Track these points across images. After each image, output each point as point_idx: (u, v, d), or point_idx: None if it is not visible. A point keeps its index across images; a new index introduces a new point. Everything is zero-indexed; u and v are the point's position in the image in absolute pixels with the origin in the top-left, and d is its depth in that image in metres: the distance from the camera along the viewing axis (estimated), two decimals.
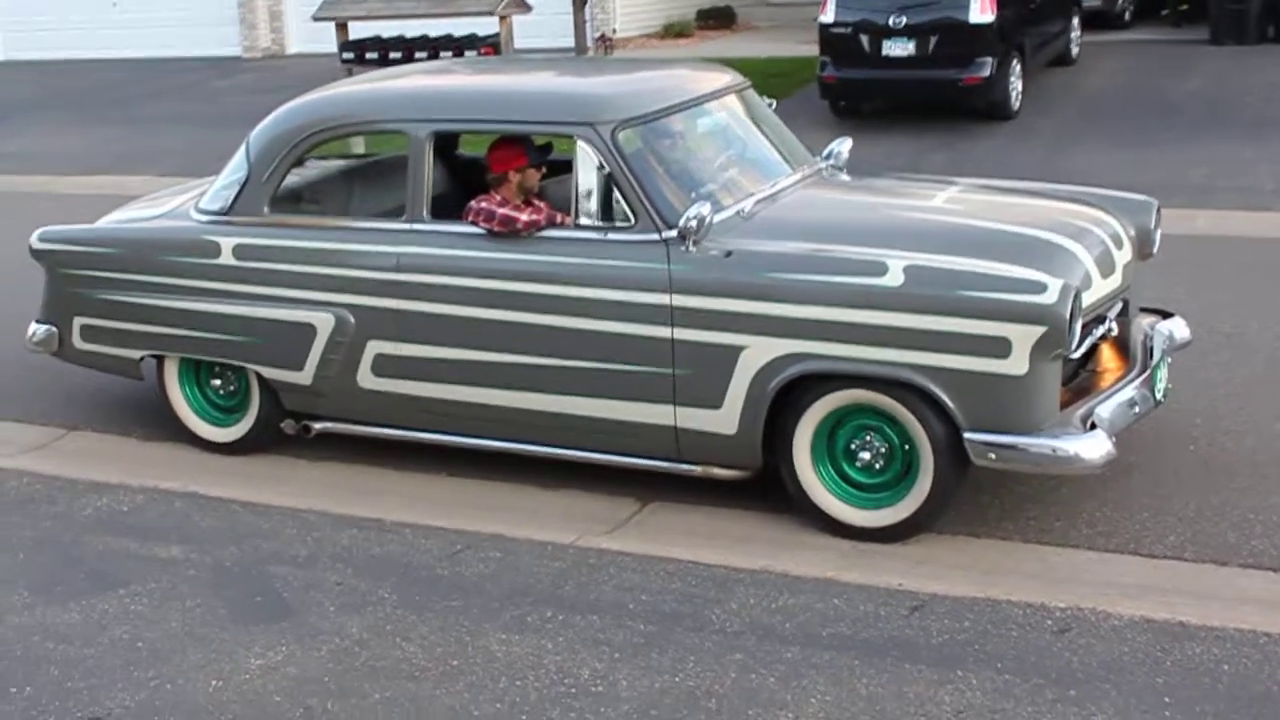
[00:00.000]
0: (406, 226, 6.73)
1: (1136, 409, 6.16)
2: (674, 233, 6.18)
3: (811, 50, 15.90)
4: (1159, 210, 6.93)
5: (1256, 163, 12.77)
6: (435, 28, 15.11)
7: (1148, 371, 6.34)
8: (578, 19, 18.70)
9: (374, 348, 6.81)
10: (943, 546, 6.00)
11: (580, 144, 6.38)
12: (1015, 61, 15.09)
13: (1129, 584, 5.62)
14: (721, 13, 23.77)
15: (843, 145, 7.38)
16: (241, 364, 7.23)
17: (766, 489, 6.36)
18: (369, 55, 14.47)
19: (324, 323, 6.88)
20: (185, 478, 7.17)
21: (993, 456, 5.79)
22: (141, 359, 7.56)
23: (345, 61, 14.54)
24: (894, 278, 5.84)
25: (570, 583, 5.87)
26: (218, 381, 7.48)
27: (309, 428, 7.23)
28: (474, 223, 6.60)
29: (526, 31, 17.91)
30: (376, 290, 6.74)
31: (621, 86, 7.14)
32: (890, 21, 14.85)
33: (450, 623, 5.57)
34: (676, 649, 5.29)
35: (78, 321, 7.63)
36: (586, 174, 6.39)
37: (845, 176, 7.29)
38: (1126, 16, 20.99)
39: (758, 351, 6.03)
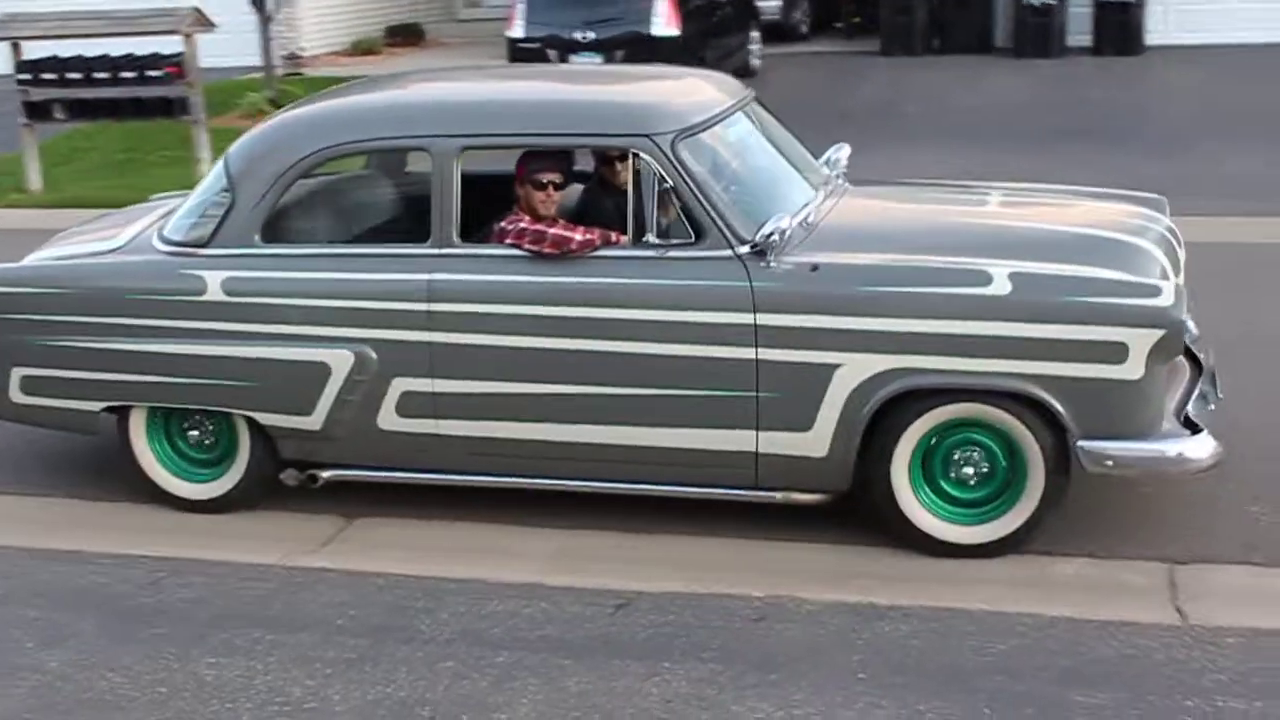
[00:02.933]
0: (436, 251, 6.13)
1: (1211, 406, 6.11)
2: (747, 248, 5.84)
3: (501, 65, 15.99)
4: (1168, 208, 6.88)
5: (923, 164, 13.40)
6: (116, 47, 14.71)
7: (1207, 368, 6.24)
8: (264, 37, 18.43)
9: (400, 385, 6.18)
10: (649, 546, 6.16)
11: (636, 157, 5.97)
12: None
13: (824, 571, 5.86)
14: (410, 29, 23.73)
15: (841, 152, 7.13)
16: (233, 410, 6.46)
17: (476, 499, 6.43)
18: (46, 76, 13.98)
19: (341, 360, 6.21)
20: None
21: (1110, 463, 5.67)
22: (102, 411, 6.68)
23: (21, 84, 14.04)
24: (1000, 286, 5.65)
25: (278, 603, 5.83)
26: (195, 432, 6.68)
27: (315, 477, 6.49)
28: (515, 245, 6.08)
29: (211, 50, 17.53)
30: (404, 323, 6.12)
31: (665, 95, 6.63)
32: (578, 36, 15.10)
33: (156, 651, 5.48)
34: (389, 661, 5.31)
35: (17, 373, 6.71)
36: (644, 188, 5.97)
37: (867, 185, 7.05)
38: (803, 29, 21.76)
39: (854, 369, 5.72)
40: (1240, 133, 13.88)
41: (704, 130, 6.19)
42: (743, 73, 17.70)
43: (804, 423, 5.82)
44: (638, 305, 5.90)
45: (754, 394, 5.83)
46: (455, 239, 6.12)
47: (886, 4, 19.43)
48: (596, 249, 6.00)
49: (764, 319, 5.77)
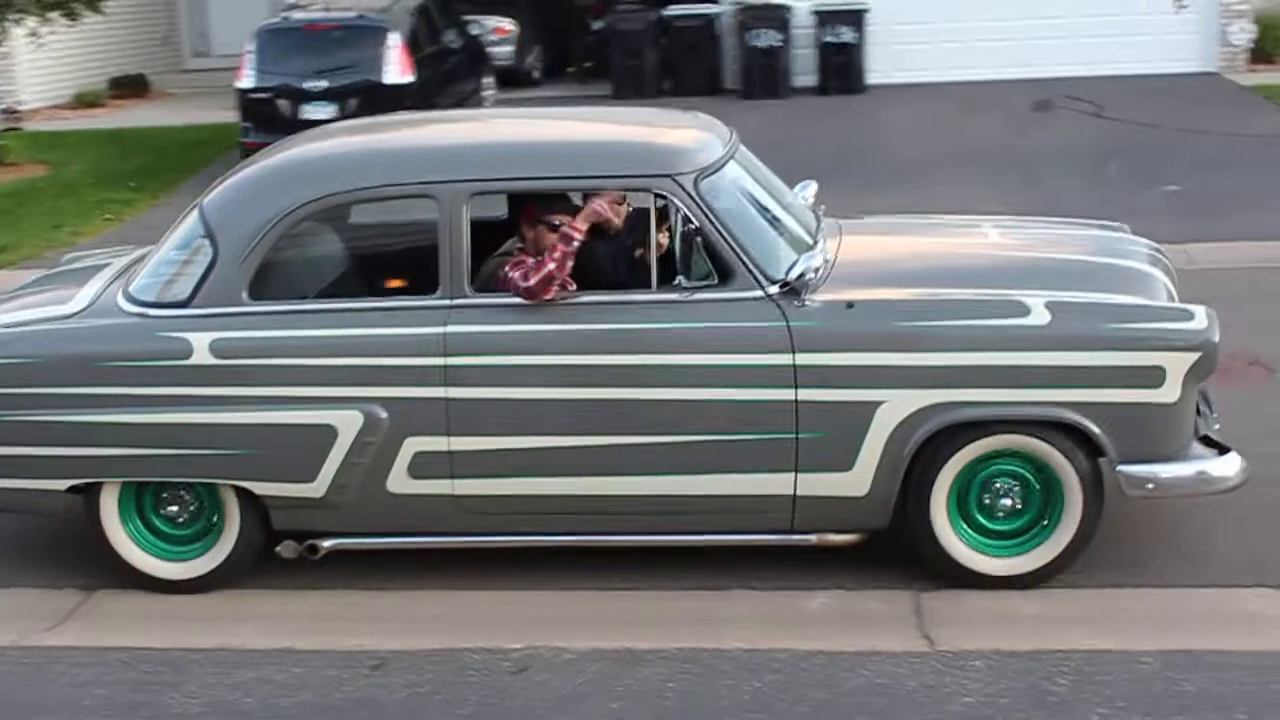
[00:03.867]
0: (448, 302, 5.83)
1: (1218, 426, 6.19)
2: (776, 288, 5.75)
3: (234, 116, 15.72)
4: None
5: None
6: None
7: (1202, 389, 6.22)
8: None
9: (414, 445, 5.85)
10: (403, 603, 6.07)
11: (659, 198, 5.92)
12: None
13: (583, 618, 5.86)
14: (134, 81, 23.09)
15: (808, 190, 6.96)
16: (223, 481, 6.03)
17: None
18: None
19: (348, 422, 5.84)
20: None
21: (1151, 486, 5.75)
22: (67, 490, 6.13)
23: None
24: (1039, 317, 5.69)
25: (16, 687, 5.57)
26: (174, 508, 6.19)
27: (315, 547, 6.09)
28: (512, 290, 5.85)
29: None
30: (417, 379, 5.80)
31: (677, 136, 6.40)
32: (309, 85, 14.90)
33: None
34: None
35: None
36: (669, 229, 5.94)
37: (853, 220, 6.94)
38: (536, 74, 21.87)
39: (896, 406, 5.66)
40: (954, 166, 14.40)
41: (717, 171, 6.07)
42: None
43: (845, 463, 5.74)
44: (668, 350, 5.75)
45: (793, 435, 5.72)
46: (467, 289, 5.86)
47: (617, 48, 19.66)
48: (567, 288, 5.85)
49: (803, 359, 5.69)
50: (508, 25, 21.08)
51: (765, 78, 18.93)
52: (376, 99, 14.82)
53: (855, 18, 18.87)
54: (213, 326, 5.91)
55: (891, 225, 7.43)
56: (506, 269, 5.93)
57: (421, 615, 5.96)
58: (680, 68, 19.57)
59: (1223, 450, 5.89)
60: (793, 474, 5.76)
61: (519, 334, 5.81)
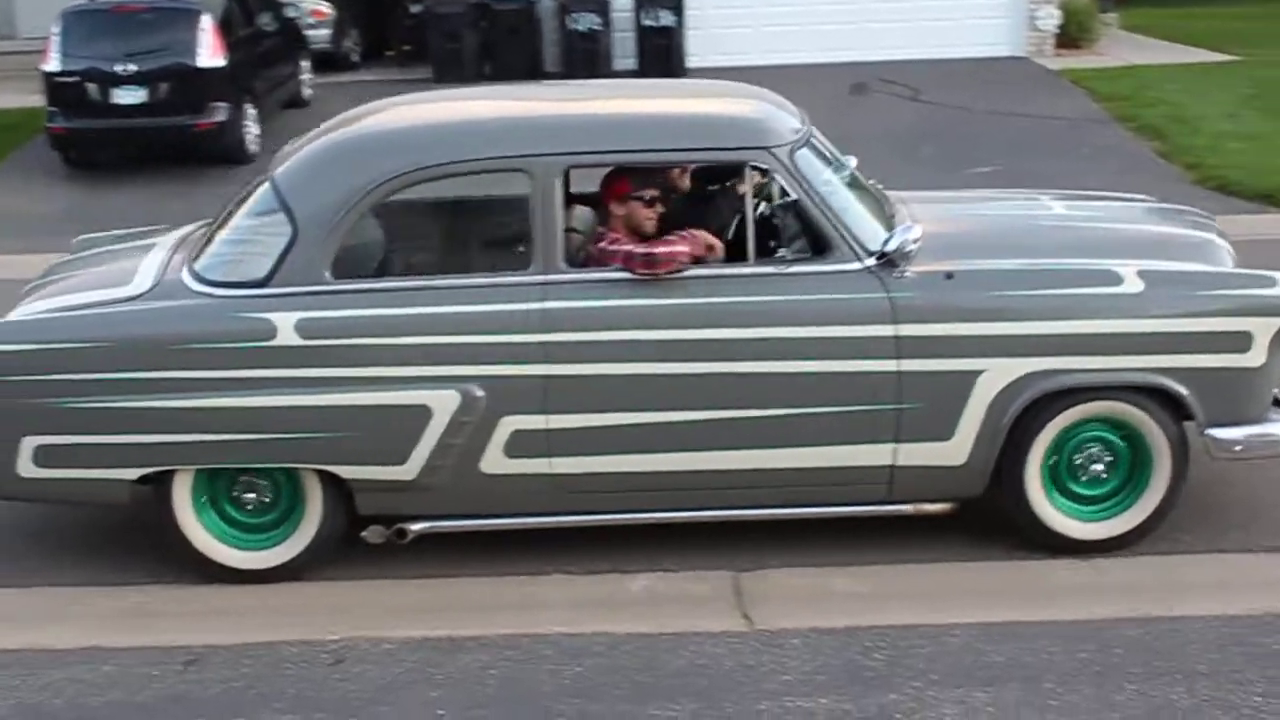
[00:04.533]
0: (545, 278, 5.71)
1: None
2: (873, 260, 5.75)
3: (41, 101, 15.24)
4: None
5: None
6: None
7: None
8: None
9: (510, 424, 5.71)
10: (220, 597, 5.94)
11: (753, 171, 5.91)
12: (248, 105, 15.17)
13: (402, 607, 5.81)
14: None
15: (850, 162, 6.60)
16: (309, 466, 5.83)
17: (35, 556, 6.07)
18: None
19: (444, 402, 5.68)
20: None
21: (1239, 449, 5.90)
22: (137, 480, 5.88)
23: None
24: (1133, 285, 5.81)
25: None
26: (251, 495, 5.98)
27: (404, 531, 5.93)
28: (627, 268, 5.75)
29: None
30: (515, 356, 5.67)
31: (762, 108, 6.30)
32: (118, 69, 14.52)
33: None
34: None
35: (29, 444, 5.81)
36: (761, 202, 5.93)
37: (899, 193, 6.75)
38: (355, 58, 21.59)
39: (997, 374, 5.73)
40: None
41: (805, 144, 6.04)
42: (295, 103, 17.44)
43: (945, 432, 5.78)
44: (771, 323, 5.71)
45: (895, 406, 5.74)
46: (561, 264, 5.73)
47: (436, 31, 19.49)
48: (706, 260, 5.85)
49: (905, 330, 5.71)
50: (325, 8, 20.76)
51: (586, 61, 18.91)
52: (189, 83, 14.51)
53: (674, 1, 18.95)
54: (296, 306, 5.70)
55: (949, 198, 7.40)
56: (603, 245, 5.90)
57: (238, 609, 5.85)
58: (500, 51, 19.46)
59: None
60: (892, 444, 5.80)
61: (622, 309, 5.73)
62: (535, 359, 5.68)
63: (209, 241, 6.16)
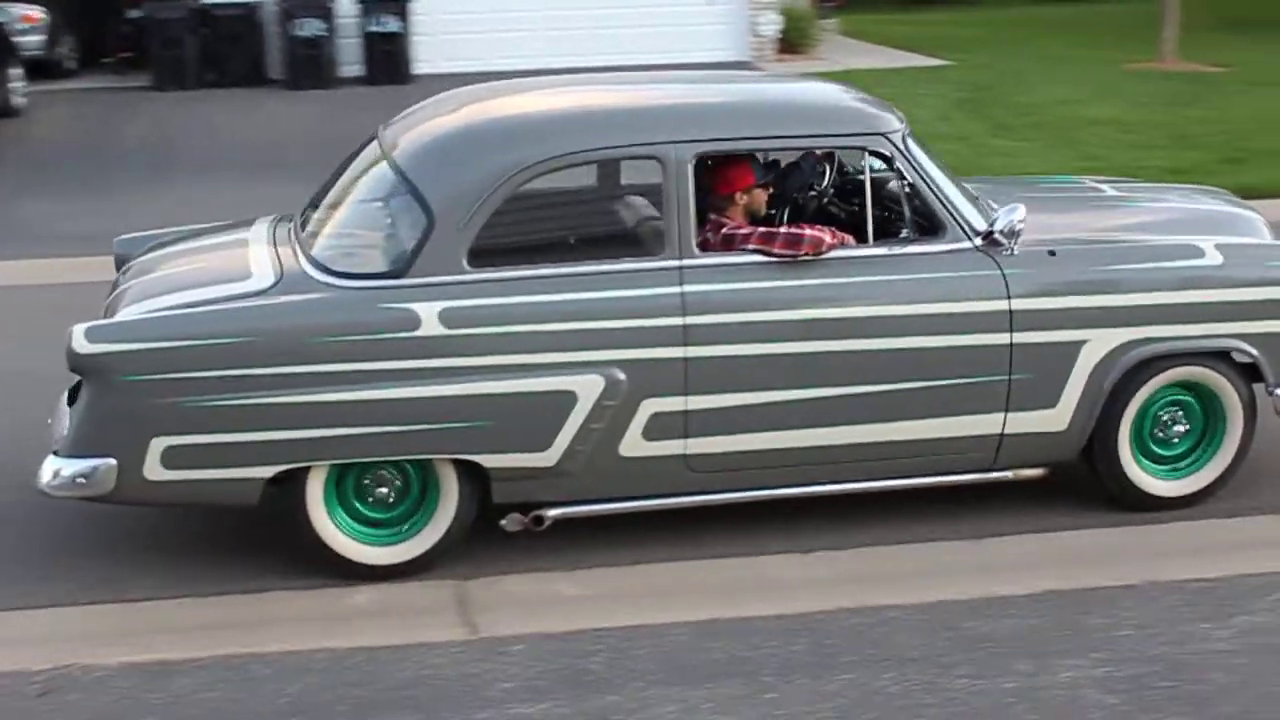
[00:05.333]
0: (682, 263, 5.82)
1: None
2: (981, 239, 6.08)
3: None
4: None
5: (208, 201, 13.19)
6: None
7: None
8: None
9: (650, 406, 5.80)
10: None
11: (873, 156, 6.13)
12: None
13: (110, 632, 5.62)
14: None
15: None
16: (451, 456, 5.77)
17: None
18: None
19: (589, 387, 5.73)
20: None
21: None
22: (274, 477, 5.69)
23: None
24: (1213, 258, 6.32)
25: None
26: (384, 490, 5.88)
27: (541, 518, 5.93)
28: (761, 249, 5.92)
29: None
30: (657, 339, 5.77)
31: (870, 98, 6.60)
32: None
33: None
34: None
35: (157, 444, 5.58)
36: (879, 186, 6.23)
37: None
38: (70, 65, 20.91)
39: (1098, 344, 6.12)
40: None
41: (911, 132, 6.29)
42: (5, 112, 16.79)
43: (1049, 400, 6.14)
44: (897, 301, 5.97)
45: (1006, 377, 6.07)
46: (695, 249, 5.86)
47: (155, 38, 19.01)
48: (835, 247, 6.00)
49: (1017, 304, 6.05)
50: (37, 13, 20.09)
51: (310, 68, 18.71)
52: None
53: (400, 6, 18.87)
54: (439, 296, 5.67)
55: (1010, 183, 7.85)
56: (726, 230, 6.07)
57: None
58: (223, 58, 19.10)
59: None
60: (1003, 413, 6.12)
61: (755, 291, 5.90)
62: (675, 342, 5.82)
63: (317, 232, 6.16)
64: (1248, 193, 11.96)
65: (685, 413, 5.87)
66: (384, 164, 6.14)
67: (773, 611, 5.65)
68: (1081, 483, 6.50)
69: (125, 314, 5.88)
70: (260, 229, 6.61)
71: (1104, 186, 7.56)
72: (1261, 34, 21.04)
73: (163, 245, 6.85)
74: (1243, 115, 16.53)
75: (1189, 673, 5.14)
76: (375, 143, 6.44)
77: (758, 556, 6.12)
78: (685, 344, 5.82)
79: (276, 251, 6.17)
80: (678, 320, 5.81)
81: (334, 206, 6.31)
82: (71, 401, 5.90)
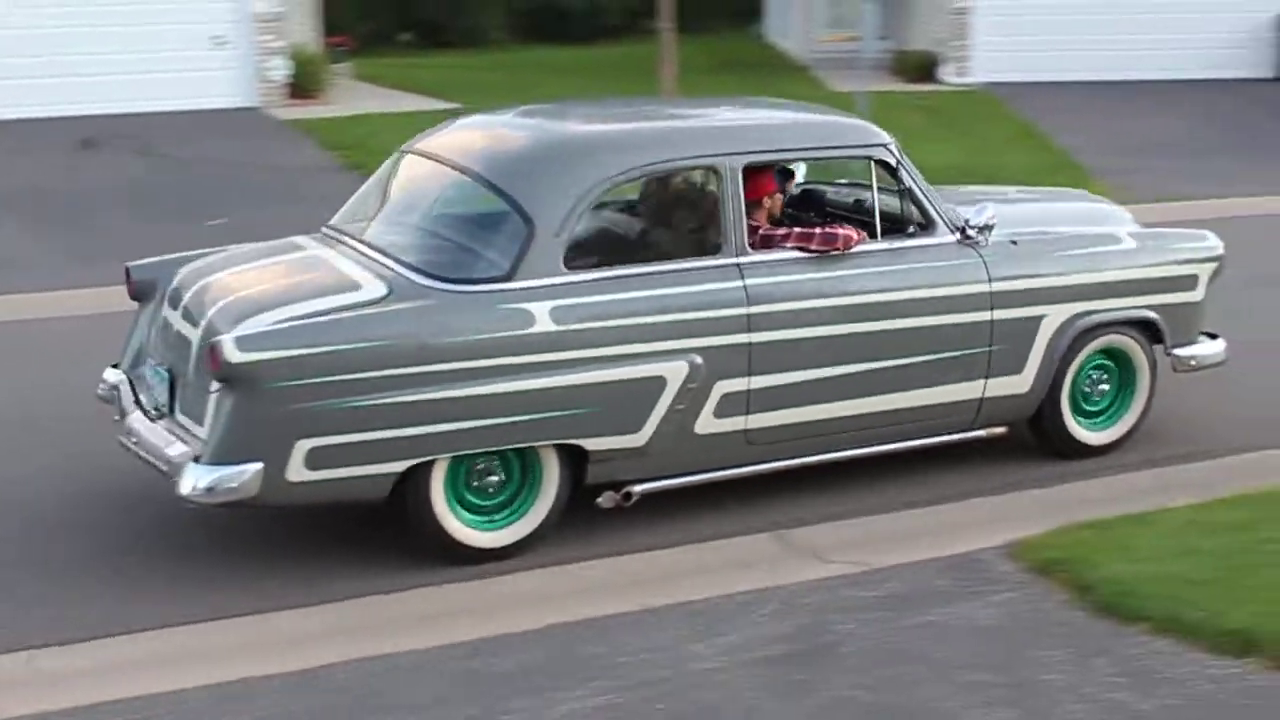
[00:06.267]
0: (736, 260, 6.77)
1: None
2: (959, 233, 7.27)
3: None
4: None
5: None
6: None
7: None
8: None
9: (721, 387, 6.69)
10: None
11: (877, 164, 7.18)
12: None
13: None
14: None
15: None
16: (555, 442, 6.43)
17: None
18: None
19: (675, 372, 6.56)
20: None
21: (1193, 363, 7.97)
22: (406, 471, 6.18)
23: None
24: (1129, 244, 7.81)
25: None
26: (494, 478, 6.48)
27: (630, 494, 6.70)
28: (800, 247, 6.95)
29: None
30: (727, 328, 6.66)
31: (857, 117, 8.02)
32: None
33: None
34: None
35: (302, 446, 6.01)
36: (881, 190, 7.20)
37: None
38: None
39: (1054, 317, 7.42)
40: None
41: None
42: None
43: (1017, 367, 7.38)
44: (912, 287, 7.09)
45: (988, 349, 7.28)
46: (747, 247, 6.79)
47: None
48: (859, 243, 7.04)
49: (996, 286, 7.27)
50: None
51: None
52: None
53: None
54: (547, 296, 6.33)
55: (950, 192, 8.80)
56: (762, 231, 7.06)
57: None
58: None
59: (1214, 336, 8.11)
60: (984, 380, 7.32)
61: (805, 281, 6.89)
62: (741, 329, 6.71)
63: (400, 242, 6.76)
64: None
65: (748, 392, 6.78)
66: (459, 175, 6.89)
67: (282, 670, 5.61)
68: (581, 518, 6.75)
69: (255, 325, 6.13)
70: (316, 245, 7.12)
71: (1012, 191, 9.14)
72: (741, 77, 22.25)
73: (206, 269, 6.98)
74: None
75: (683, 695, 5.40)
76: (423, 158, 7.22)
77: (268, 614, 6.11)
78: (749, 330, 6.73)
79: (364, 263, 6.67)
80: (743, 310, 6.72)
81: (403, 217, 7.09)
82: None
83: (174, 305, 6.78)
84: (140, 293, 7.19)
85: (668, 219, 7.27)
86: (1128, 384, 7.85)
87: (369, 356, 6.05)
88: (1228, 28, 22.58)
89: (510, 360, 6.26)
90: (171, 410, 6.50)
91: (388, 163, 7.52)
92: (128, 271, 7.27)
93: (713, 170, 6.83)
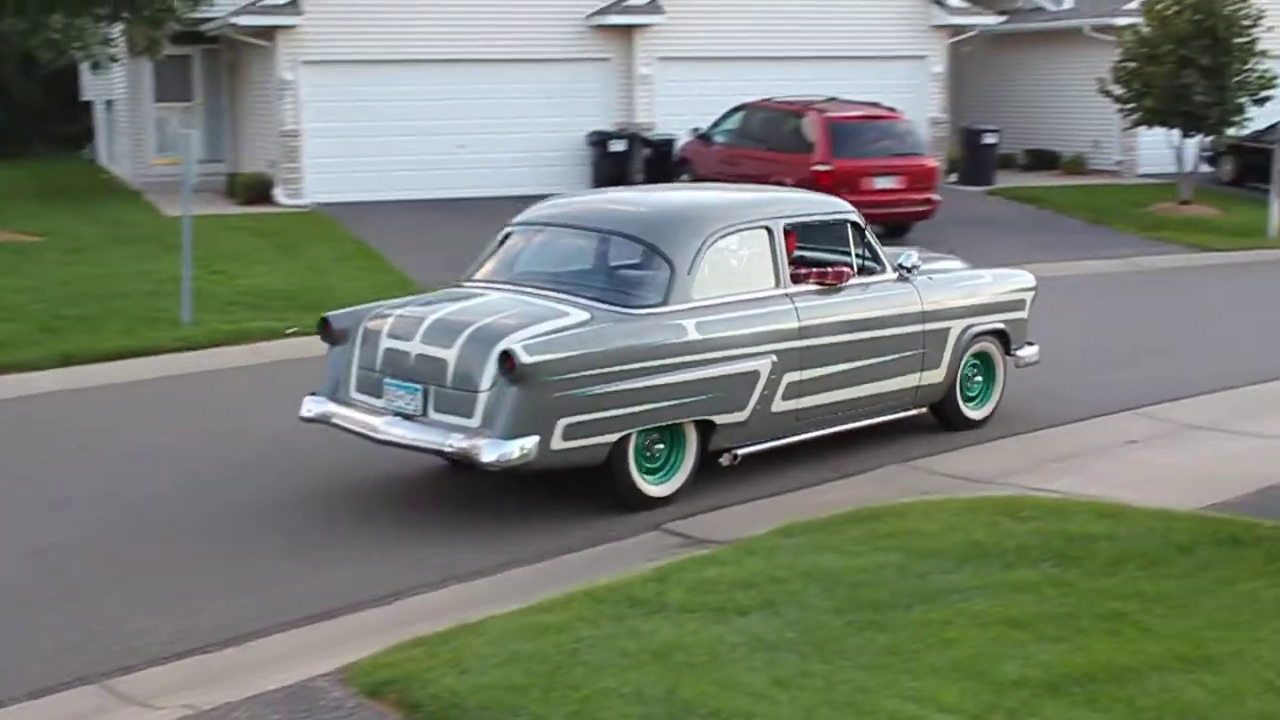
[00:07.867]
0: (784, 290, 9.86)
1: None
2: (896, 272, 10.61)
3: None
4: None
5: None
6: None
7: None
8: None
9: (788, 378, 9.68)
10: None
11: (851, 227, 10.48)
12: None
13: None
14: None
15: None
16: (700, 418, 9.28)
17: None
18: None
19: (765, 366, 9.56)
20: None
21: (1027, 359, 11.49)
22: (617, 440, 8.88)
23: None
24: (988, 278, 11.52)
25: None
26: (661, 446, 9.23)
27: (736, 455, 9.65)
28: (820, 281, 10.10)
29: None
30: (790, 336, 9.70)
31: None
32: None
33: None
34: None
35: (562, 424, 8.64)
36: (856, 243, 10.45)
37: None
38: None
39: (956, 329, 10.79)
40: None
41: None
42: None
43: (938, 365, 10.69)
44: (884, 307, 10.35)
45: (922, 351, 10.53)
46: (790, 283, 9.91)
47: None
48: (851, 278, 10.28)
49: (926, 306, 10.57)
50: None
51: None
52: None
53: None
54: (689, 316, 9.28)
55: None
56: (793, 271, 10.05)
57: None
58: None
59: (1031, 343, 11.64)
60: (919, 374, 10.56)
61: (826, 305, 10.00)
62: (797, 337, 9.75)
63: (568, 285, 9.60)
64: (68, 359, 12.27)
65: (800, 381, 9.81)
66: (598, 235, 10.00)
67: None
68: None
69: (525, 338, 8.71)
70: (485, 291, 9.79)
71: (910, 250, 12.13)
72: (71, 203, 21.48)
73: (410, 314, 9.48)
74: (58, 283, 16.77)
75: None
76: (553, 226, 10.33)
77: None
78: (801, 338, 9.78)
79: (547, 299, 9.35)
80: (795, 324, 9.79)
81: (560, 266, 10.02)
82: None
83: (403, 338, 9.17)
84: (337, 337, 9.55)
85: (744, 262, 9.98)
86: (990, 377, 11.34)
87: (601, 358, 8.81)
88: (549, 147, 24.15)
89: (676, 360, 9.12)
90: (425, 412, 8.89)
91: (500, 234, 10.25)
92: (327, 320, 9.68)
93: (768, 230, 9.88)
